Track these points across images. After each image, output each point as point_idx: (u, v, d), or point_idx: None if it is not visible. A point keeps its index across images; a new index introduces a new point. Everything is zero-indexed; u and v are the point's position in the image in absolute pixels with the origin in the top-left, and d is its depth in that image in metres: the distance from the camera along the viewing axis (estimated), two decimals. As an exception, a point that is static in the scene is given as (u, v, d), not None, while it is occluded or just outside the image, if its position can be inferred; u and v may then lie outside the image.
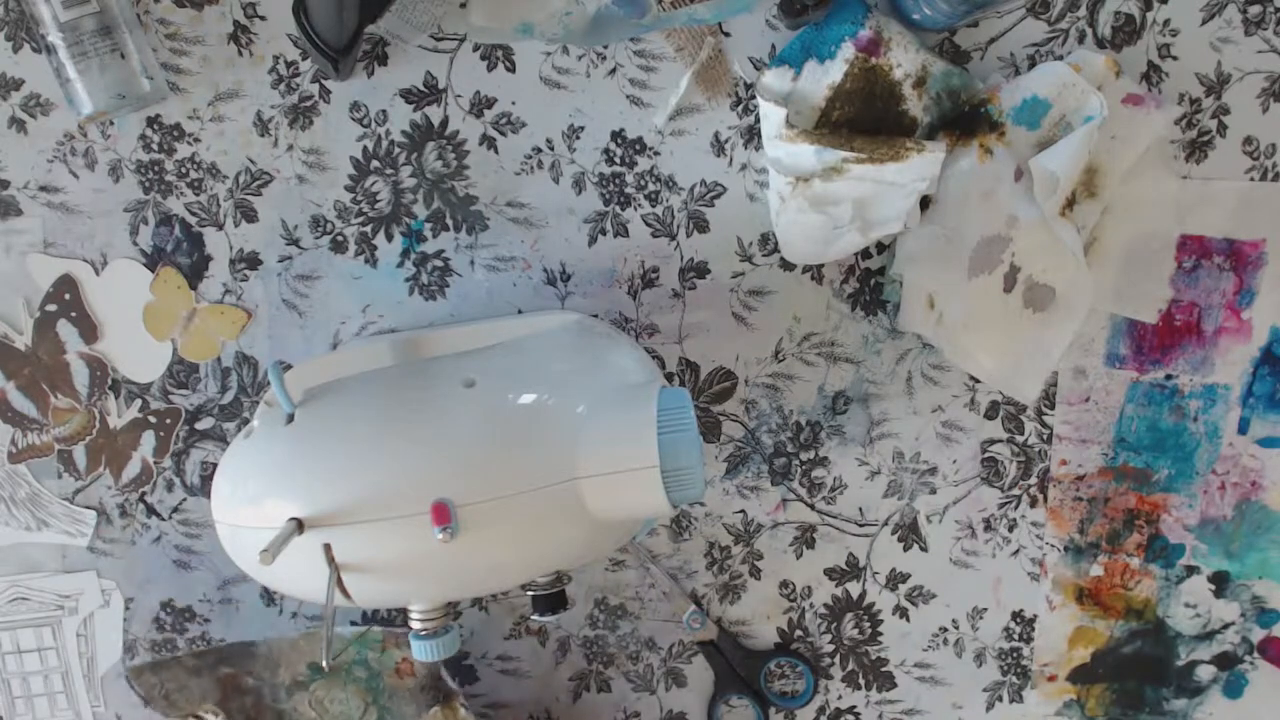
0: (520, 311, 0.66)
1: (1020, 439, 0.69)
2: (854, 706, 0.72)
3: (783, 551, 0.70)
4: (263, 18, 0.62)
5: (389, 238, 0.65)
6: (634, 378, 0.56)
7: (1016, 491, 0.70)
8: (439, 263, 0.66)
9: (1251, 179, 0.66)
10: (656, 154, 0.65)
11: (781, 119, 0.61)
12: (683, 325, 0.67)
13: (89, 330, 0.65)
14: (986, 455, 0.69)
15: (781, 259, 0.66)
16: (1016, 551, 0.70)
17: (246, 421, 0.66)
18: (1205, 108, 0.66)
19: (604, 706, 0.71)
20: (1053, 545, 0.70)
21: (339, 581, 0.51)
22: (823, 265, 0.66)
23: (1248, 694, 0.72)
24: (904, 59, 0.62)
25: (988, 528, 0.70)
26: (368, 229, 0.65)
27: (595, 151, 0.65)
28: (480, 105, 0.64)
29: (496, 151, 0.65)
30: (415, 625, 0.55)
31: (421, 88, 0.64)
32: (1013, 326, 0.65)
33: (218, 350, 0.66)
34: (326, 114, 0.64)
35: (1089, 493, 0.70)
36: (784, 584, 0.70)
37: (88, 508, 0.67)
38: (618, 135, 0.65)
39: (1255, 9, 0.64)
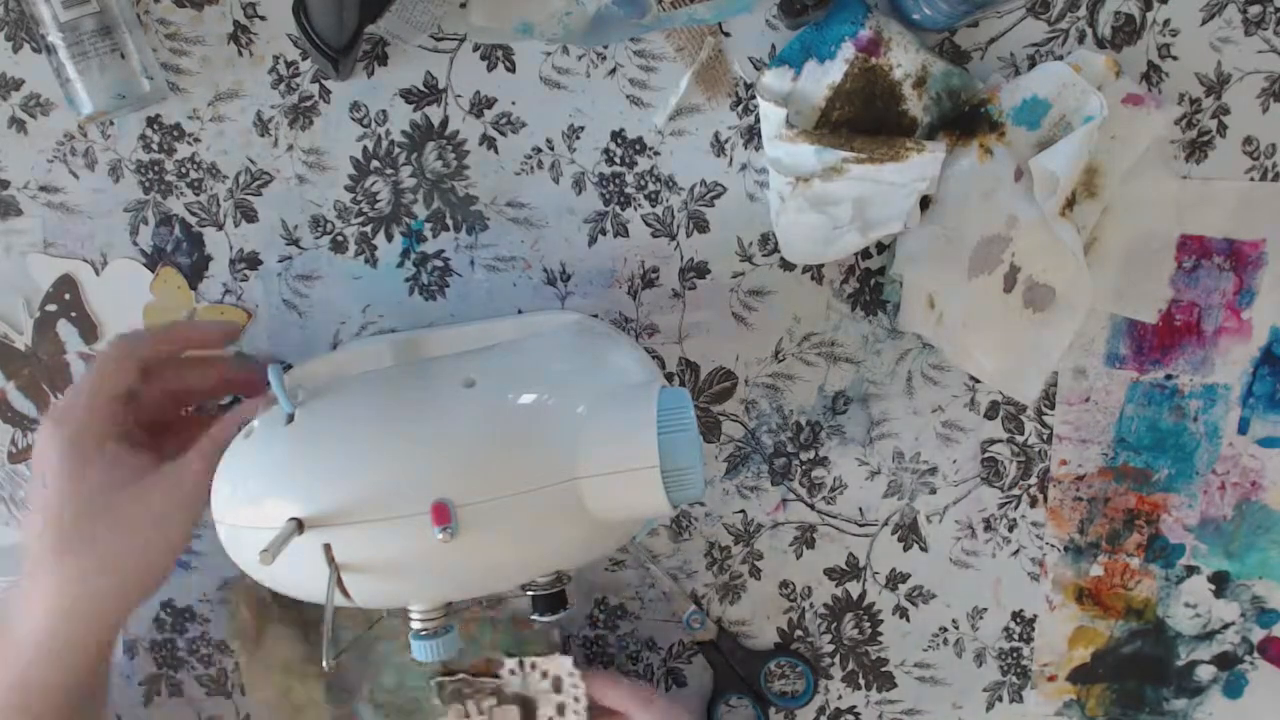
0: (520, 311, 0.66)
1: (1020, 439, 0.69)
2: (854, 706, 0.72)
3: (783, 551, 0.70)
4: (263, 18, 0.62)
5: (389, 238, 0.65)
6: (634, 378, 0.56)
7: (1016, 491, 0.70)
8: (439, 263, 0.66)
9: (1251, 179, 0.66)
10: (656, 154, 0.65)
11: (781, 119, 0.61)
12: (683, 325, 0.67)
13: (89, 330, 0.65)
14: (986, 455, 0.69)
15: (781, 259, 0.66)
16: (1016, 551, 0.70)
17: (246, 421, 0.66)
18: (1205, 108, 0.65)
19: (604, 706, 0.71)
20: (1053, 545, 0.70)
21: (339, 581, 0.51)
22: (823, 265, 0.66)
23: (1248, 694, 0.72)
24: (904, 59, 0.62)
25: (988, 528, 0.70)
26: (368, 229, 0.65)
27: (595, 151, 0.65)
28: (480, 105, 0.64)
29: (496, 151, 0.65)
30: (415, 625, 0.55)
31: (421, 88, 0.64)
32: (1013, 326, 0.65)
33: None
34: (326, 114, 0.64)
35: (1089, 493, 0.70)
36: (784, 584, 0.70)
37: (88, 508, 0.67)
38: (618, 135, 0.65)
39: (1255, 9, 0.64)
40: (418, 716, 0.68)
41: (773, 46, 0.64)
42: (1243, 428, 0.69)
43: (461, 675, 0.67)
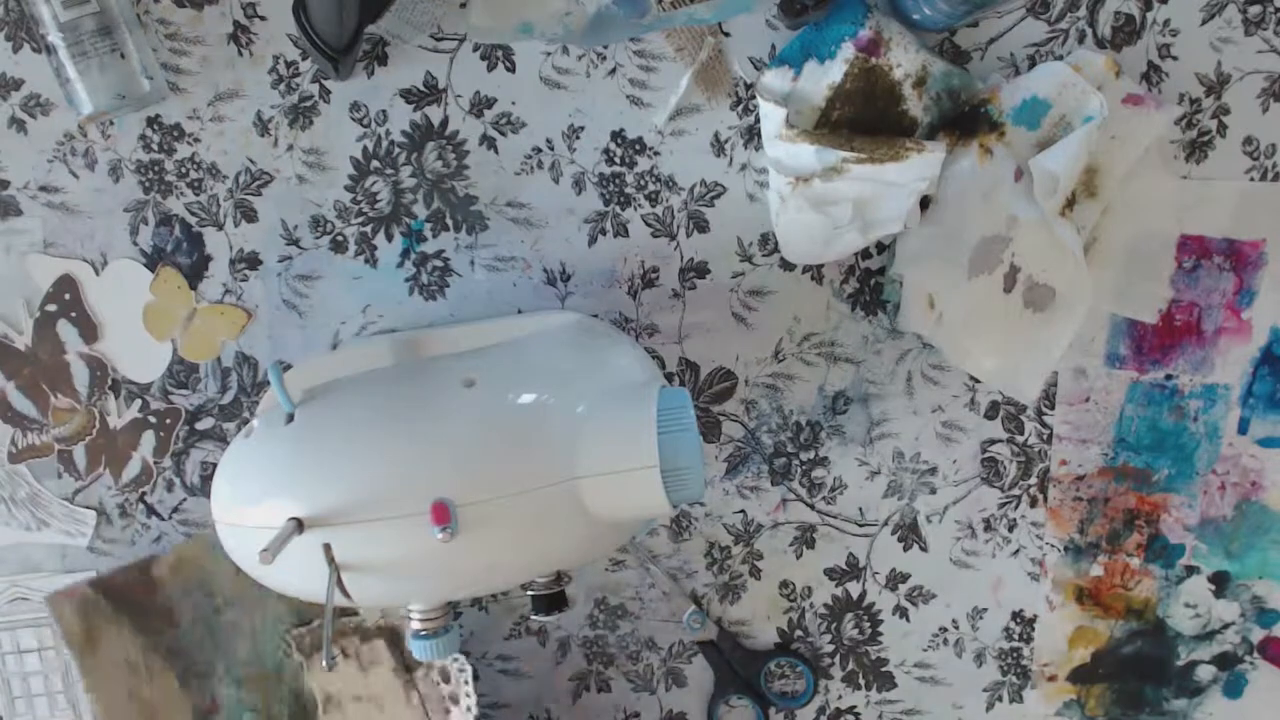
0: (520, 311, 0.66)
1: (1020, 439, 0.69)
2: (854, 706, 0.72)
3: (783, 551, 0.70)
4: (263, 18, 0.62)
5: (389, 238, 0.65)
6: (634, 378, 0.56)
7: (1016, 491, 0.70)
8: (439, 263, 0.66)
9: (1251, 179, 0.66)
10: (656, 154, 0.65)
11: (781, 119, 0.61)
12: (683, 325, 0.67)
13: (89, 330, 0.65)
14: (986, 455, 0.69)
15: (781, 259, 0.66)
16: (1016, 551, 0.70)
17: (246, 421, 0.66)
18: (1205, 108, 0.65)
19: (604, 706, 0.71)
20: (1053, 545, 0.70)
21: (339, 581, 0.51)
22: (823, 265, 0.66)
23: (1248, 694, 0.72)
24: (904, 59, 0.62)
25: (988, 528, 0.70)
26: (368, 229, 0.65)
27: (595, 151, 0.65)
28: (480, 105, 0.64)
29: (496, 151, 0.65)
30: (415, 625, 0.55)
31: (421, 88, 0.64)
32: (1013, 326, 0.65)
33: (218, 350, 0.66)
34: (326, 114, 0.64)
35: (1089, 493, 0.70)
36: (784, 584, 0.70)
37: (88, 508, 0.67)
38: (618, 135, 0.65)
39: (1255, 9, 0.64)
40: (283, 678, 0.65)
41: (773, 46, 0.64)
42: (1243, 428, 0.69)
43: (317, 621, 0.63)
